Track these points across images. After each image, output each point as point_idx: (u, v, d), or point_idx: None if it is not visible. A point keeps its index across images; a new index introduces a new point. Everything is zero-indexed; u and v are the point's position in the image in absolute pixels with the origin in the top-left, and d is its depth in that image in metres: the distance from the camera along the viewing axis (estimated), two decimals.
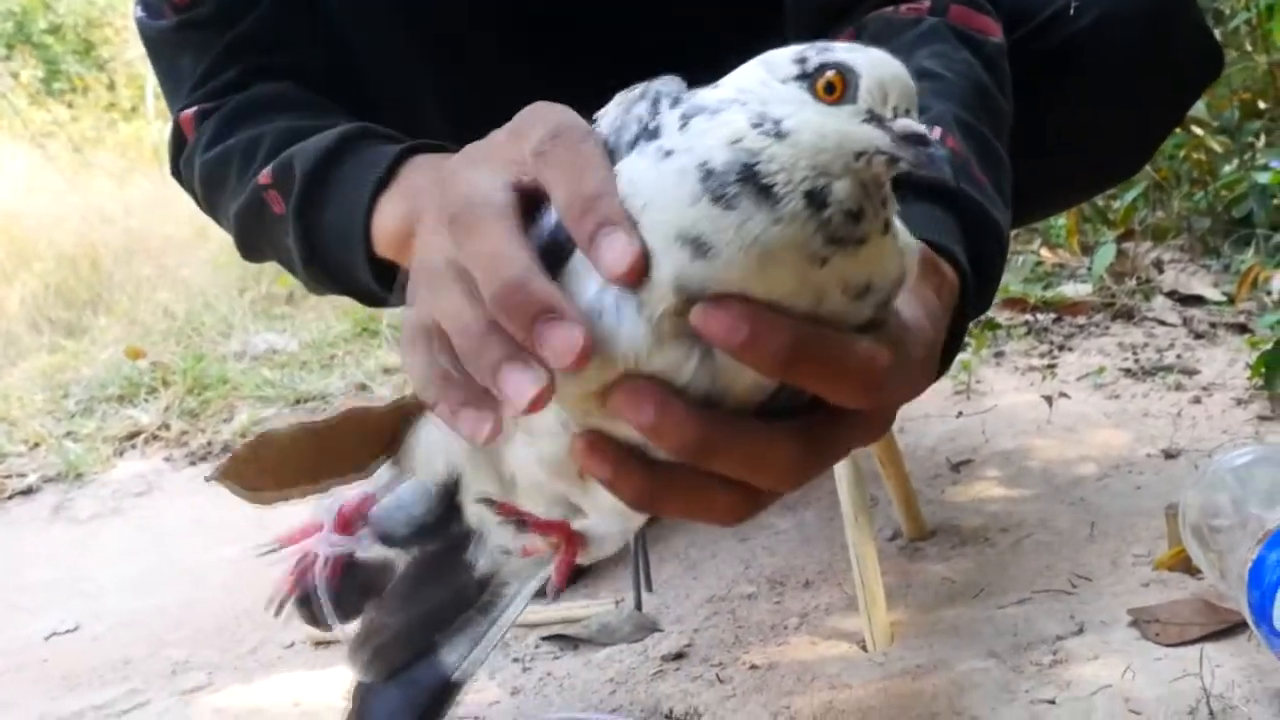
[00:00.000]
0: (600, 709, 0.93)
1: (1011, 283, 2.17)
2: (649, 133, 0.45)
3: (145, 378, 2.21)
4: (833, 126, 0.43)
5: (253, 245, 0.88)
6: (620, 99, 0.48)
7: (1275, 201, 2.04)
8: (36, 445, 1.95)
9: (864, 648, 0.97)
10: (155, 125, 5.24)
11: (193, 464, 1.84)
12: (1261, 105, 2.31)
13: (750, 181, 0.42)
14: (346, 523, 0.65)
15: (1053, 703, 0.84)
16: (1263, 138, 2.29)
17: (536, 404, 0.43)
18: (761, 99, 0.44)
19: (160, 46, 0.92)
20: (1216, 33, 2.35)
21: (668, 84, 0.47)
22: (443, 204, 0.48)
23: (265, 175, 0.79)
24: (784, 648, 0.99)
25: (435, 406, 0.48)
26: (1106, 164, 1.07)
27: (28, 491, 1.76)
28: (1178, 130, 2.29)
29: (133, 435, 1.96)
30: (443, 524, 0.63)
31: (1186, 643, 0.89)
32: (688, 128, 0.44)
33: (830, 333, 0.44)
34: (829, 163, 0.42)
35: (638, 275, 0.42)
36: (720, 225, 0.42)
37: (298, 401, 2.08)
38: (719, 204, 0.42)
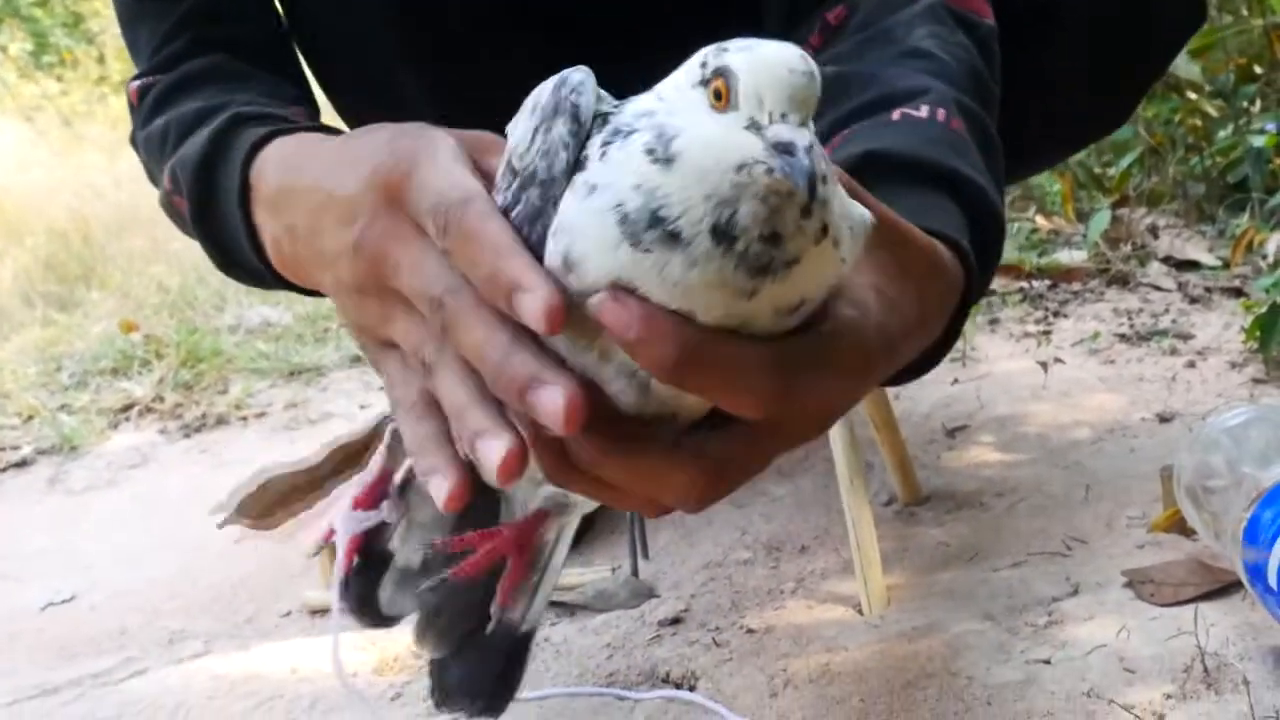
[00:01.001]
0: (596, 674, 0.93)
1: (1007, 250, 2.15)
2: (579, 163, 0.45)
3: (139, 351, 2.20)
4: (716, 138, 0.42)
5: (191, 236, 0.87)
6: (531, 111, 0.48)
7: (1270, 165, 2.04)
8: (30, 418, 1.94)
9: (860, 611, 0.97)
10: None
11: (187, 436, 1.83)
12: (1257, 69, 2.30)
13: (657, 227, 0.42)
14: (367, 498, 0.65)
15: (1048, 663, 0.85)
16: (1258, 102, 2.28)
17: (504, 472, 0.47)
18: (670, 108, 0.44)
19: (124, 16, 0.92)
20: None
21: (580, 88, 0.46)
22: (405, 293, 0.52)
23: (167, 180, 0.79)
24: (780, 612, 1.00)
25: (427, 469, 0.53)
26: (1089, 118, 1.07)
27: (22, 464, 1.76)
28: (1173, 95, 2.28)
29: (127, 408, 1.96)
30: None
31: (1181, 602, 0.89)
32: (606, 156, 0.44)
33: (725, 342, 0.43)
34: (718, 184, 0.42)
35: (557, 326, 0.44)
36: (643, 270, 0.42)
37: (292, 374, 2.07)
38: (637, 249, 0.42)
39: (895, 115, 0.64)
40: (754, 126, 0.42)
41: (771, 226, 0.42)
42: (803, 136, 0.41)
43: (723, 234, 0.41)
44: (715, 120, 0.42)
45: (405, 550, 0.69)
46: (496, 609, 0.67)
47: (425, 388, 0.54)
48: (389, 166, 0.53)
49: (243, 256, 0.72)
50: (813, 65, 0.43)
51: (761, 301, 0.43)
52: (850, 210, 0.47)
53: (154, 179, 0.88)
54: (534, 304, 0.44)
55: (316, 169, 0.61)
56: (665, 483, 0.47)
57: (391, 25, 0.94)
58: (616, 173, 0.43)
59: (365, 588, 0.69)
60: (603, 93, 0.48)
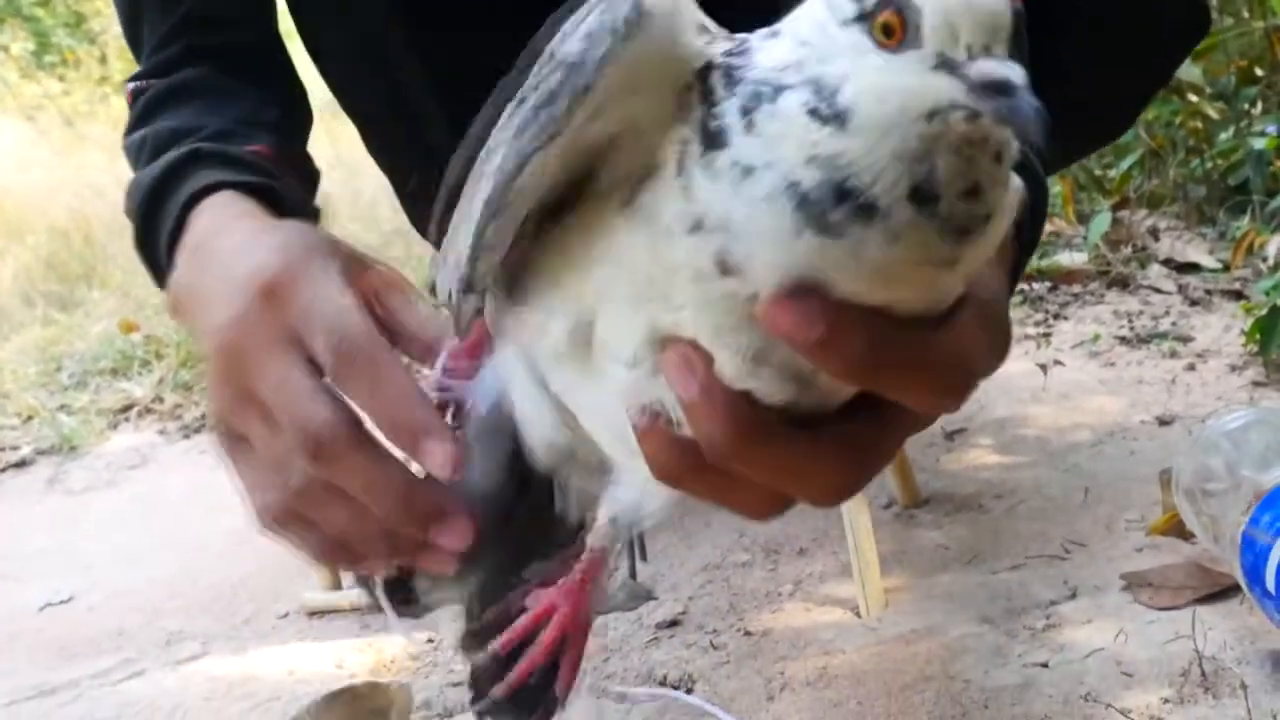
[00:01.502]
0: (594, 676, 0.93)
1: None
2: (711, 136, 0.38)
3: (138, 351, 2.20)
4: (894, 87, 0.35)
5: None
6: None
7: (1271, 168, 2.03)
8: (30, 418, 1.94)
9: (858, 614, 0.97)
10: None
11: (186, 436, 1.83)
12: (1258, 72, 2.30)
13: (849, 202, 0.35)
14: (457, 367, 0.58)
15: (1045, 666, 0.84)
16: (1259, 104, 2.28)
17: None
18: (820, 55, 0.37)
19: (125, 14, 0.92)
20: None
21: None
22: (270, 407, 0.52)
23: (125, 199, 0.78)
24: (778, 614, 0.99)
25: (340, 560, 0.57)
26: (1091, 126, 1.06)
27: (21, 464, 1.76)
28: (1174, 98, 2.28)
29: (126, 408, 1.96)
30: (520, 491, 0.58)
31: (1179, 606, 0.89)
32: (755, 128, 0.37)
33: (913, 333, 0.38)
34: (907, 143, 0.35)
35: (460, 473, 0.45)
36: (834, 257, 0.36)
37: None
38: (826, 234, 0.36)
39: None
40: (946, 65, 0.35)
41: (971, 179, 0.36)
42: (1017, 72, 0.35)
43: (925, 196, 0.35)
44: (889, 61, 0.35)
45: None
46: (561, 689, 0.57)
47: (288, 500, 0.54)
48: (276, 270, 0.53)
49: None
50: None
51: (965, 267, 0.38)
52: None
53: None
54: (441, 455, 0.46)
55: (230, 242, 0.62)
56: (808, 474, 0.42)
57: (396, 24, 0.94)
58: (777, 146, 0.36)
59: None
60: (707, 22, 0.40)
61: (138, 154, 0.82)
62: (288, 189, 0.72)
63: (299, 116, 0.91)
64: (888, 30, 0.35)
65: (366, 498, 0.49)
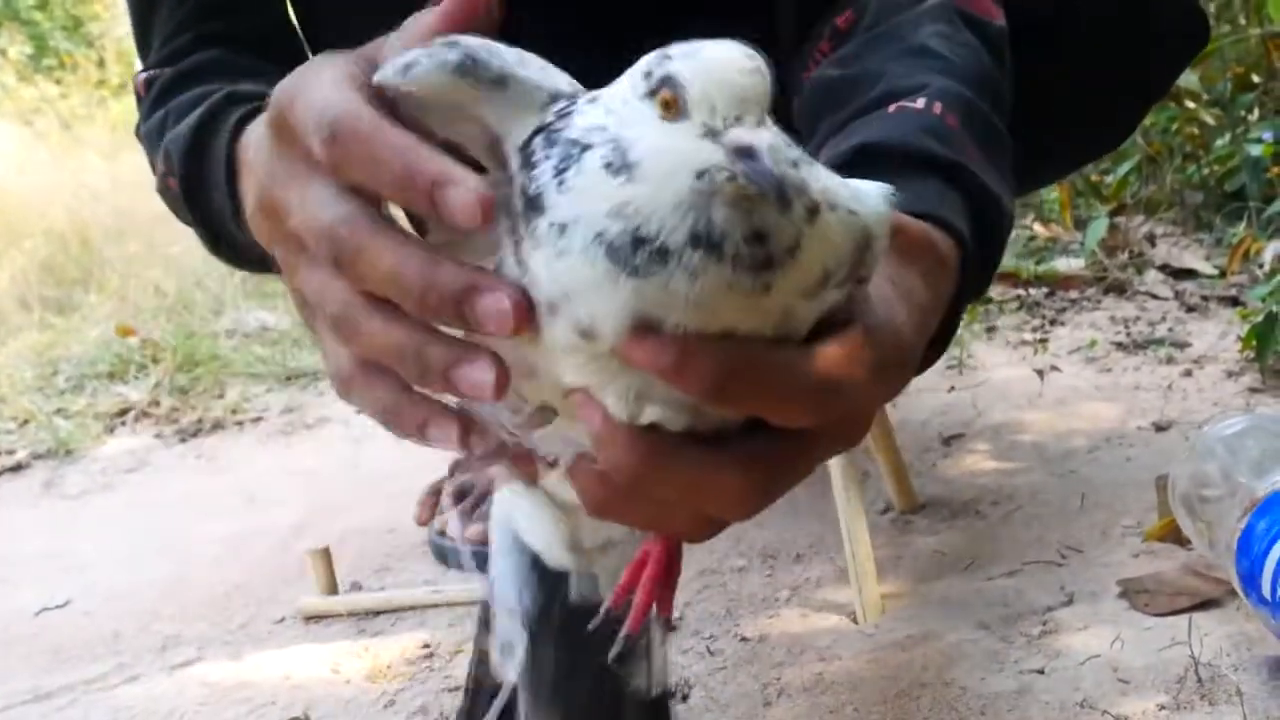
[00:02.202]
0: None
1: (1004, 258, 2.16)
2: (531, 201, 0.42)
3: (135, 355, 2.20)
4: (669, 147, 0.40)
5: (184, 220, 0.86)
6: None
7: (1268, 174, 2.04)
8: (26, 422, 1.94)
9: (854, 620, 0.97)
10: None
11: (183, 441, 1.83)
12: (1255, 78, 2.30)
13: (645, 248, 0.40)
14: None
15: (1041, 672, 0.84)
16: (1256, 111, 2.28)
17: (499, 391, 0.44)
18: (620, 121, 0.42)
19: (136, 8, 0.92)
20: (1210, 5, 2.35)
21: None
22: (300, 234, 0.47)
23: (161, 161, 0.78)
24: (775, 620, 0.99)
25: (403, 433, 0.49)
26: (1092, 136, 1.07)
27: (17, 468, 1.76)
28: (1170, 104, 2.29)
29: (123, 412, 1.95)
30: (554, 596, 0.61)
31: (1175, 612, 0.89)
32: (564, 185, 0.41)
33: (771, 352, 0.42)
34: (680, 193, 0.40)
35: (489, 210, 0.42)
36: (652, 296, 0.40)
37: (289, 378, 2.07)
38: (637, 276, 0.40)
39: (891, 109, 0.64)
40: (710, 134, 0.40)
41: (751, 227, 0.40)
42: (762, 137, 0.40)
43: (705, 241, 0.40)
44: (667, 130, 0.41)
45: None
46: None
47: (343, 352, 0.49)
48: (278, 101, 0.49)
49: (228, 233, 0.71)
50: (759, 61, 0.41)
51: (783, 293, 0.41)
52: (859, 191, 0.45)
53: (154, 169, 0.88)
54: (465, 196, 0.41)
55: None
56: (716, 490, 0.44)
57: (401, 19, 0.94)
58: (583, 201, 0.41)
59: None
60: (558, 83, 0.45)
61: (160, 128, 0.81)
62: None
63: None
64: (667, 105, 0.41)
65: (393, 288, 0.44)
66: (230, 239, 0.73)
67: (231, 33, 0.88)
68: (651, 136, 0.41)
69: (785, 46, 0.80)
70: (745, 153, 0.39)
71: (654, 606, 0.52)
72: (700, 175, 0.40)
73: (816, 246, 0.42)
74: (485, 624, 0.66)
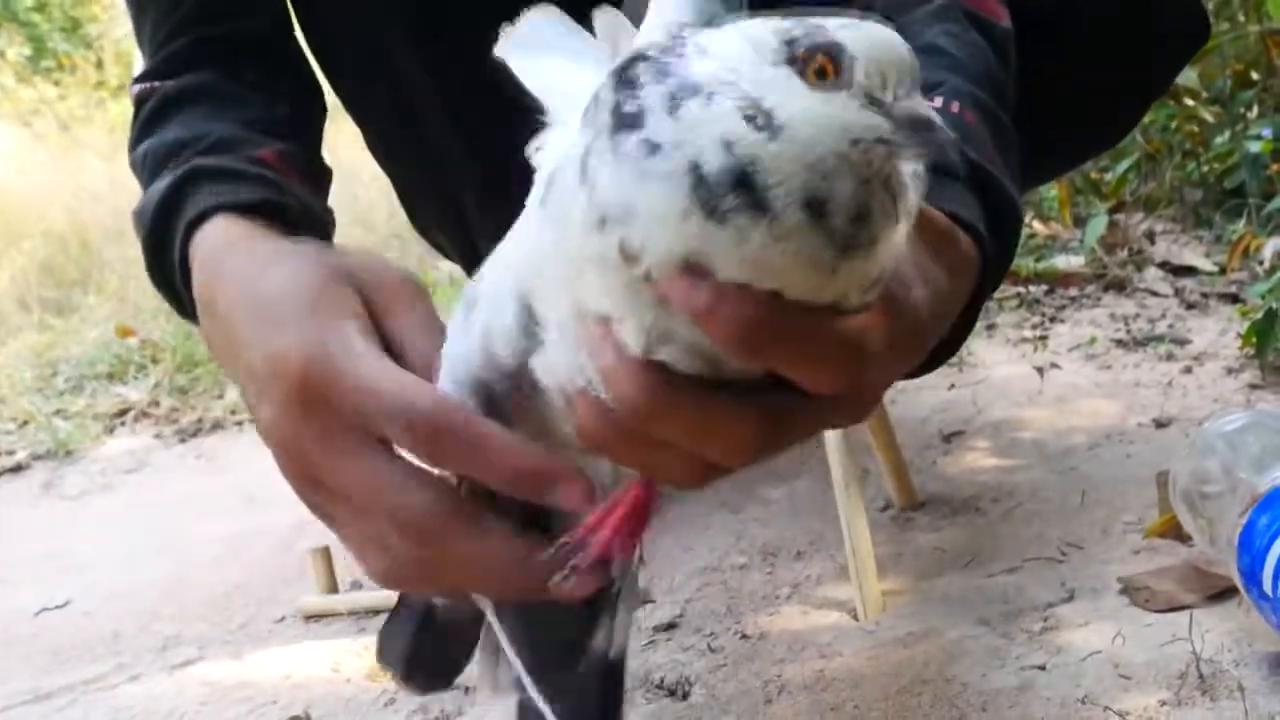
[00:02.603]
0: None
1: None
2: (625, 118, 0.41)
3: (135, 355, 2.20)
4: (827, 115, 0.39)
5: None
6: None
7: (1267, 171, 2.04)
8: (26, 423, 1.94)
9: (855, 617, 0.97)
10: None
11: (182, 441, 1.83)
12: (1254, 75, 2.30)
13: (744, 191, 0.38)
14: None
15: (1043, 668, 0.84)
16: (1255, 108, 2.28)
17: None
18: (753, 81, 0.40)
19: (133, 3, 0.91)
20: (1209, 2, 2.35)
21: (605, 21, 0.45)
22: (293, 472, 0.53)
23: (134, 217, 0.76)
24: (775, 617, 0.99)
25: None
26: (1092, 133, 1.07)
27: (17, 469, 1.76)
28: (1170, 102, 2.29)
29: (122, 412, 1.96)
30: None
31: (1176, 608, 0.89)
32: (679, 111, 0.40)
33: (804, 315, 0.41)
34: (824, 159, 0.39)
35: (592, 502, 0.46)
36: (717, 243, 0.39)
37: None
38: (712, 219, 0.39)
39: None
40: (875, 103, 0.39)
41: (864, 206, 0.40)
42: (933, 111, 0.40)
43: (816, 209, 0.39)
44: (821, 98, 0.39)
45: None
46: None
47: (398, 570, 0.53)
48: (300, 365, 0.51)
49: (186, 309, 0.71)
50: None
51: (845, 279, 0.41)
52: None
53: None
54: (573, 492, 0.46)
55: (226, 297, 0.59)
56: (719, 433, 0.44)
57: (402, 30, 0.94)
58: (697, 129, 0.39)
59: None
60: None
61: (140, 169, 0.80)
62: (293, 197, 0.70)
63: (311, 110, 0.90)
64: (821, 72, 0.39)
65: (482, 580, 0.50)
66: (185, 312, 0.72)
67: (230, 36, 0.87)
68: (803, 100, 0.39)
69: None
70: (923, 124, 0.39)
71: (615, 552, 0.50)
72: (856, 143, 0.39)
73: (887, 247, 0.42)
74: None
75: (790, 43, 0.40)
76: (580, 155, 0.42)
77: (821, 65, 0.39)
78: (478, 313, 0.50)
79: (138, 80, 0.87)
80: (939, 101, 0.64)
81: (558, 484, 0.45)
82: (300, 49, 0.94)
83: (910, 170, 0.42)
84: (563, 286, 0.44)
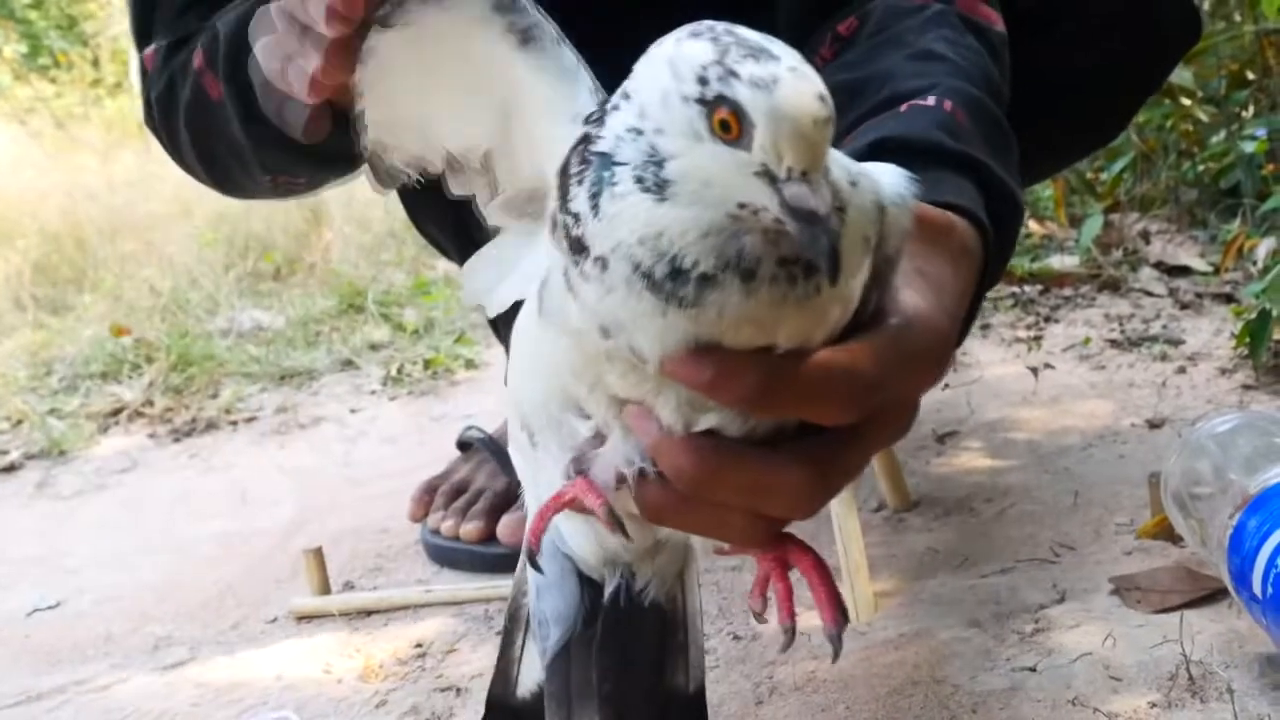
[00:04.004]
0: None
1: None
2: (574, 243, 0.43)
3: (129, 354, 2.19)
4: (718, 175, 0.40)
5: (208, 152, 0.85)
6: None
7: (1262, 171, 2.04)
8: (20, 422, 1.93)
9: (847, 618, 0.97)
10: (140, 102, 5.20)
11: (176, 441, 1.83)
12: (1249, 75, 2.30)
13: (685, 277, 0.41)
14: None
15: (1033, 670, 0.84)
16: (1251, 107, 2.28)
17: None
18: (656, 125, 0.41)
19: None
20: (1205, 2, 2.35)
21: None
22: None
23: (198, 58, 0.78)
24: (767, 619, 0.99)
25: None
26: (1085, 130, 1.07)
27: (10, 468, 1.75)
28: (1165, 101, 2.29)
29: (116, 412, 1.95)
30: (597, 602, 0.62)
31: (1168, 610, 0.89)
32: (600, 214, 0.42)
33: (806, 359, 0.43)
34: (714, 220, 0.40)
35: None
36: (704, 322, 0.41)
37: (282, 378, 2.07)
38: (687, 307, 0.41)
39: (903, 108, 0.65)
40: (768, 176, 0.39)
41: (781, 254, 0.41)
42: (824, 201, 0.39)
43: (739, 268, 0.41)
44: (716, 153, 0.40)
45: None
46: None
47: None
48: None
49: (269, 96, 0.70)
50: (831, 108, 0.40)
51: (821, 303, 0.42)
52: (878, 180, 0.46)
53: (170, 129, 0.87)
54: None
55: None
56: (774, 489, 0.46)
57: None
58: (617, 229, 0.41)
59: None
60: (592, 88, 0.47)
61: (185, 64, 0.81)
62: None
63: None
64: (725, 126, 0.39)
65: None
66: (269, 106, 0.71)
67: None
68: (695, 155, 0.40)
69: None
70: (807, 216, 0.39)
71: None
72: (743, 206, 0.40)
73: (853, 228, 0.43)
74: (510, 640, 0.67)
75: (703, 82, 0.40)
76: (560, 268, 0.45)
77: (725, 119, 0.39)
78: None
79: (149, 46, 0.87)
80: (931, 100, 0.64)
81: None
82: None
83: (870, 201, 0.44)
84: (593, 384, 0.47)
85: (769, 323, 0.42)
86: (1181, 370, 1.49)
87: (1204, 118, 2.29)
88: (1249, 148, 1.98)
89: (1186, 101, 2.29)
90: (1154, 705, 0.78)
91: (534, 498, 0.59)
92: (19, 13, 7.28)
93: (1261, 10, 2.18)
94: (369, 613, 1.11)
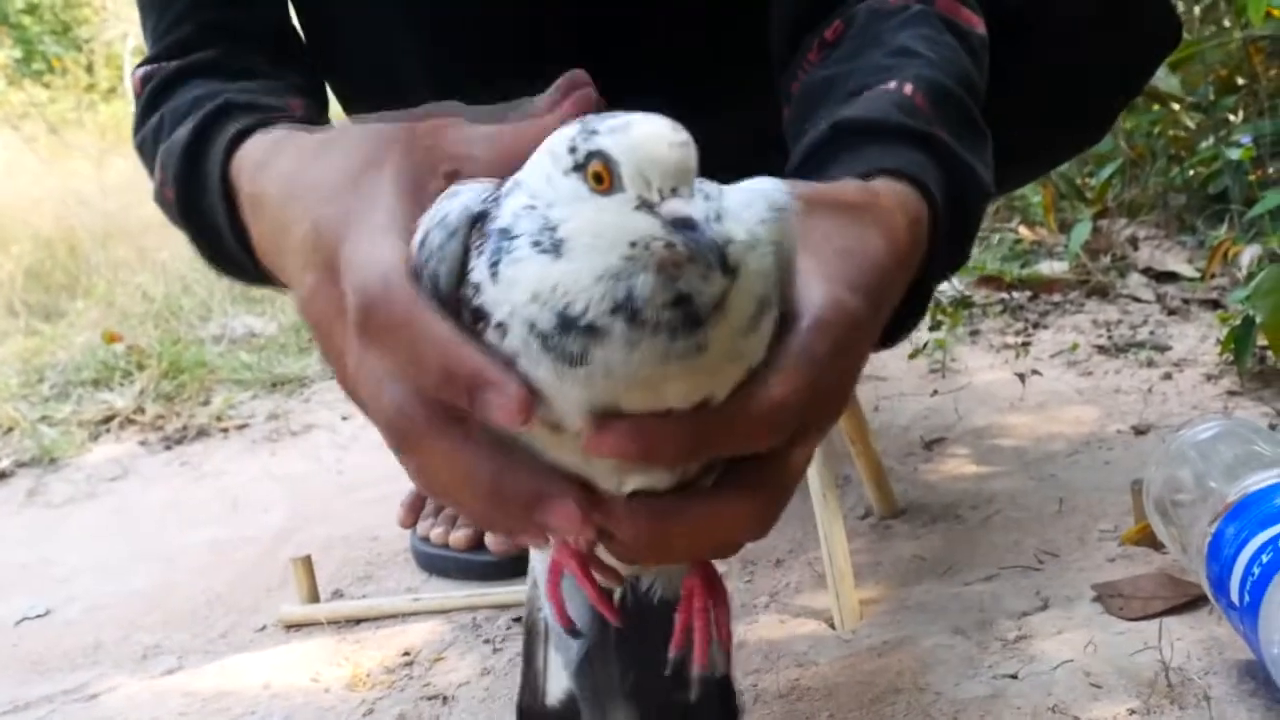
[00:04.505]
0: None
1: (988, 261, 2.18)
2: (477, 313, 0.44)
3: (121, 361, 2.20)
4: (603, 222, 0.42)
5: (182, 230, 0.86)
6: (428, 221, 0.46)
7: (1249, 177, 2.05)
8: (10, 430, 1.94)
9: (832, 625, 0.97)
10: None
11: (168, 448, 1.83)
12: (1238, 81, 2.31)
13: (573, 329, 0.41)
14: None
15: (1015, 677, 0.85)
16: (1239, 113, 2.29)
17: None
18: (547, 200, 0.43)
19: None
20: (1194, 8, 2.36)
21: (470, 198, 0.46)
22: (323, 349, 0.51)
23: (158, 169, 0.76)
24: (753, 626, 1.00)
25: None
26: (1064, 134, 1.07)
27: (1, 476, 1.75)
28: (1154, 107, 2.30)
29: (108, 419, 1.95)
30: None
31: (1148, 616, 0.90)
32: (498, 277, 0.43)
33: (718, 413, 0.44)
34: (609, 263, 0.41)
35: (530, 413, 0.43)
36: (599, 382, 0.42)
37: (274, 385, 2.07)
38: (578, 365, 0.42)
39: (865, 94, 0.66)
40: (645, 206, 0.41)
41: (675, 292, 0.42)
42: (697, 207, 0.41)
43: (627, 309, 0.41)
44: (600, 204, 0.42)
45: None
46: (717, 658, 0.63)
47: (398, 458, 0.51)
48: (325, 230, 0.49)
49: (227, 249, 0.71)
50: (685, 132, 0.42)
51: (720, 342, 0.43)
52: (753, 193, 0.47)
53: (151, 176, 0.87)
54: (504, 402, 0.42)
55: (278, 185, 0.59)
56: (725, 524, 0.47)
57: (409, 25, 0.95)
58: (512, 291, 0.42)
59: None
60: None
61: (155, 133, 0.80)
62: None
63: (320, 95, 0.91)
64: (599, 178, 0.42)
65: (460, 490, 0.47)
66: (230, 254, 0.71)
67: (233, 26, 0.87)
68: (583, 211, 0.42)
69: (775, 60, 0.82)
70: (684, 223, 0.41)
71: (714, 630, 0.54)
72: (634, 244, 0.41)
73: (745, 286, 0.43)
74: (531, 652, 0.68)
75: (572, 150, 0.43)
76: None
77: (598, 171, 0.42)
78: None
79: (141, 65, 0.87)
80: (892, 84, 0.65)
81: (484, 394, 0.42)
82: (301, 46, 0.94)
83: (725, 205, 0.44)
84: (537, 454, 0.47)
85: (657, 381, 0.42)
86: (1168, 376, 1.50)
87: (1190, 124, 2.30)
88: (1235, 154, 1.99)
89: (1175, 107, 2.30)
90: (1133, 712, 0.78)
91: (538, 559, 0.63)
92: (13, 18, 7.28)
93: (1249, 16, 2.19)
94: (358, 621, 1.11)
